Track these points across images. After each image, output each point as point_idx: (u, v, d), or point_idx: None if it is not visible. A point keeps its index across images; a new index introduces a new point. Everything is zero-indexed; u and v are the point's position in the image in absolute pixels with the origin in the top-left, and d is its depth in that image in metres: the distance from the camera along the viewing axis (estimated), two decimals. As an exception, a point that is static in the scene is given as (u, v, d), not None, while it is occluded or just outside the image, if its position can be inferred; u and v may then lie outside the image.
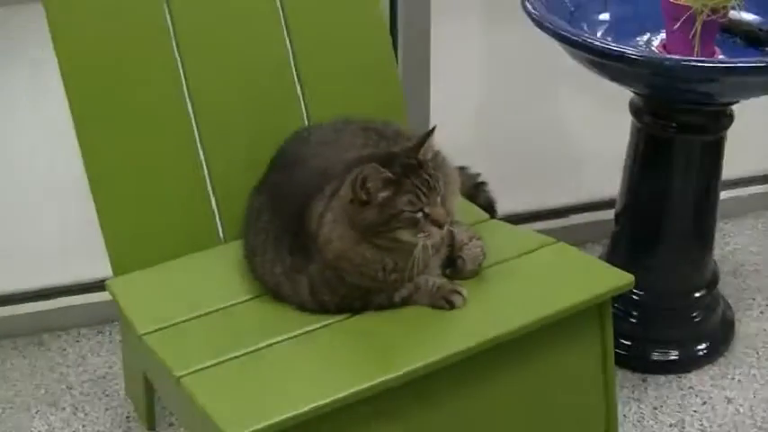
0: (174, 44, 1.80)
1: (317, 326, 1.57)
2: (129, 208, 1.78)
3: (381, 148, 1.72)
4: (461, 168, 1.93)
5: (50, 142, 2.15)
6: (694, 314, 2.21)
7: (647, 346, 2.20)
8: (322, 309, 1.59)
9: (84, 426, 2.06)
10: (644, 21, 2.03)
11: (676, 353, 2.20)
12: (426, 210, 1.50)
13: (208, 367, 1.49)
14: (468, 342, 1.50)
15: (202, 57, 1.83)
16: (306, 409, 1.38)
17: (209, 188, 1.83)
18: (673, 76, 1.83)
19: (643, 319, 2.19)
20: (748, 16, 2.02)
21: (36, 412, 2.09)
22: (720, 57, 1.92)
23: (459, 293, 1.58)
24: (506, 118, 2.49)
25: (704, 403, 2.10)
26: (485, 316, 1.57)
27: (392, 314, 1.58)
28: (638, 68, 1.81)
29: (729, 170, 2.16)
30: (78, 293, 2.32)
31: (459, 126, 2.42)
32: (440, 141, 1.58)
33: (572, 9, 2.03)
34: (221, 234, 1.85)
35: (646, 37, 2.02)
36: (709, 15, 1.83)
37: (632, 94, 2.05)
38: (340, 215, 1.53)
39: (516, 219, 2.47)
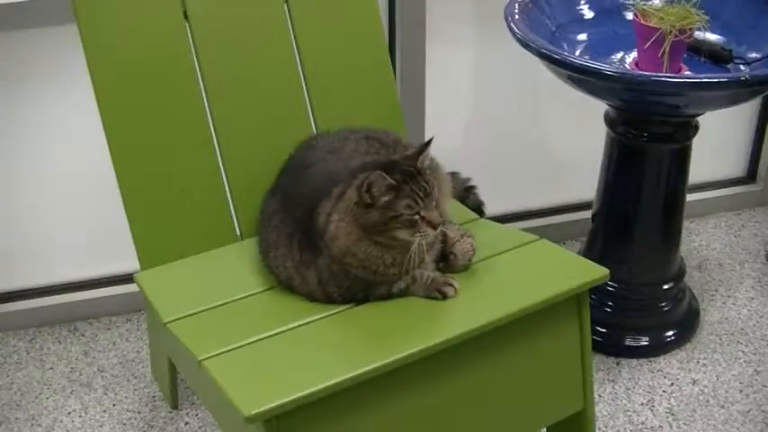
0: (195, 61, 1.81)
1: (325, 314, 1.57)
2: (154, 209, 1.78)
3: (382, 155, 1.72)
4: (453, 173, 1.93)
5: (85, 150, 2.16)
6: (663, 304, 2.21)
7: (621, 333, 2.20)
8: (329, 299, 1.59)
9: (114, 405, 2.06)
10: (617, 41, 2.04)
11: (647, 339, 2.20)
12: (423, 213, 1.51)
13: (226, 351, 1.49)
14: (459, 329, 1.50)
15: (222, 73, 1.83)
16: (315, 389, 1.38)
17: (227, 191, 1.84)
18: (644, 91, 1.83)
19: (617, 309, 2.20)
20: (712, 37, 2.03)
21: (71, 392, 2.09)
22: (687, 73, 1.93)
23: (452, 285, 1.58)
24: (493, 128, 2.50)
25: (672, 384, 2.11)
26: (474, 305, 1.57)
27: (391, 304, 1.58)
28: (613, 83, 1.81)
29: (695, 175, 2.17)
30: (109, 285, 2.32)
31: (451, 136, 2.43)
32: (434, 149, 1.59)
33: (553, 29, 2.04)
34: (238, 232, 1.85)
35: (619, 55, 2.02)
36: (676, 36, 1.84)
37: (607, 107, 2.05)
38: (346, 215, 1.53)
39: (502, 218, 2.49)
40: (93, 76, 1.73)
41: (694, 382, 2.11)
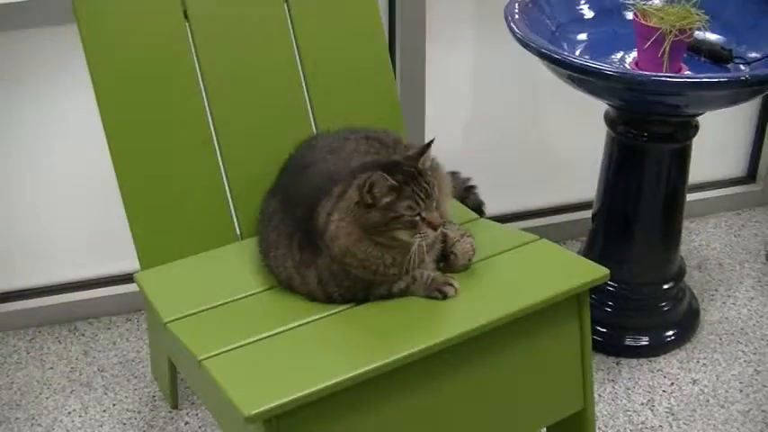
0: (195, 61, 1.81)
1: (325, 314, 1.57)
2: (155, 209, 1.78)
3: (382, 155, 1.72)
4: (453, 173, 1.93)
5: (84, 149, 2.16)
6: (663, 304, 2.21)
7: (621, 332, 2.20)
8: (329, 299, 1.59)
9: (114, 404, 2.06)
10: (617, 41, 2.04)
11: (647, 339, 2.20)
12: (423, 214, 1.51)
13: (226, 351, 1.49)
14: (459, 329, 1.50)
15: (222, 73, 1.83)
16: (315, 389, 1.38)
17: (228, 190, 1.84)
18: (644, 90, 1.83)
19: (617, 309, 2.20)
20: (712, 36, 2.03)
21: (71, 392, 2.09)
22: (687, 73, 1.93)
23: (452, 285, 1.58)
24: (493, 128, 2.50)
25: (672, 384, 2.11)
26: (474, 305, 1.57)
27: (391, 304, 1.58)
28: (613, 83, 1.81)
29: (695, 175, 2.17)
30: (108, 285, 2.32)
31: (451, 136, 2.43)
32: (434, 149, 1.59)
33: (553, 29, 2.04)
34: (238, 232, 1.85)
35: (619, 55, 2.02)
36: (676, 36, 1.84)
37: (607, 107, 2.05)
38: (346, 215, 1.53)
39: (503, 218, 2.48)
40: (94, 75, 1.73)
41: (694, 381, 2.11)
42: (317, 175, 1.67)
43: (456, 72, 2.41)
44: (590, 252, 2.20)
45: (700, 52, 1.99)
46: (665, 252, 2.17)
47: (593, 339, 1.73)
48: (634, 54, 1.97)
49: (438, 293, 1.58)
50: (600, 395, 2.06)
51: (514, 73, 2.39)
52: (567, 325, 1.65)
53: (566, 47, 2.01)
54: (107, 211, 2.00)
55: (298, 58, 1.89)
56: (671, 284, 2.19)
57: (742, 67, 1.96)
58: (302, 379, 1.40)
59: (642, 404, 2.05)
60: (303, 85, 1.90)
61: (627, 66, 1.97)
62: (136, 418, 2.02)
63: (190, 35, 1.81)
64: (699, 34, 1.96)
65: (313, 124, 1.91)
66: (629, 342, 2.19)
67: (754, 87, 1.81)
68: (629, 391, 2.08)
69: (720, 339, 2.24)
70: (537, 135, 2.54)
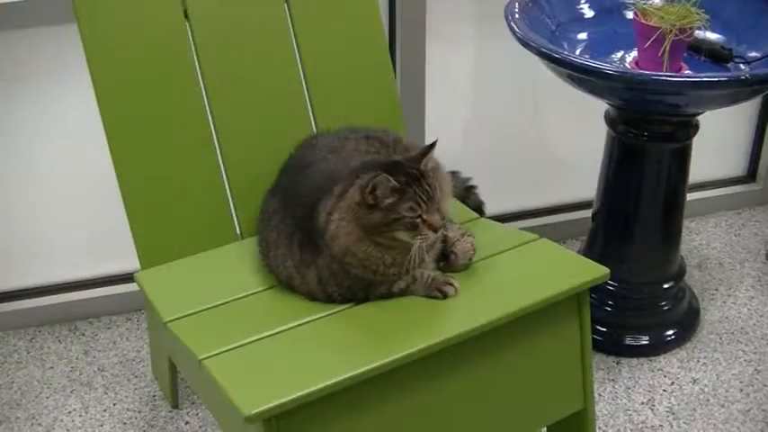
0: (196, 60, 1.81)
1: (325, 314, 1.57)
2: (155, 208, 1.78)
3: (382, 154, 1.72)
4: (453, 173, 1.93)
5: (84, 149, 2.15)
6: (663, 303, 2.21)
7: (621, 332, 2.20)
8: (329, 299, 1.59)
9: (114, 404, 2.06)
10: (618, 40, 2.04)
11: (647, 338, 2.20)
12: (425, 216, 1.51)
13: (226, 351, 1.49)
14: (459, 328, 1.50)
15: (222, 72, 1.83)
16: (315, 388, 1.37)
17: (228, 190, 1.84)
18: (644, 90, 1.83)
19: (617, 308, 2.20)
20: (712, 36, 2.03)
21: (71, 392, 2.09)
22: (687, 72, 1.93)
23: (452, 285, 1.58)
24: (493, 128, 2.49)
25: (672, 383, 2.11)
26: (475, 305, 1.57)
27: (391, 303, 1.58)
28: (614, 83, 1.81)
29: (695, 174, 2.17)
30: (109, 285, 2.32)
31: (451, 135, 2.43)
32: (435, 149, 1.59)
33: (553, 28, 2.04)
34: (238, 231, 1.85)
35: (620, 54, 2.02)
36: (677, 35, 1.84)
37: (607, 106, 2.05)
38: (347, 214, 1.53)
39: (503, 218, 2.48)
40: (94, 75, 1.73)
41: (694, 381, 2.11)
42: (317, 174, 1.67)
43: (456, 72, 2.41)
44: (590, 251, 2.20)
45: (700, 52, 1.99)
46: (666, 251, 2.17)
47: (593, 339, 1.73)
48: (634, 53, 1.97)
49: (438, 293, 1.58)
50: (600, 395, 2.06)
51: (514, 72, 2.39)
52: (568, 324, 1.65)
53: (566, 46, 2.01)
54: (107, 211, 2.00)
55: (298, 57, 1.89)
56: (671, 284, 2.19)
57: (742, 66, 1.96)
58: (302, 379, 1.40)
59: (642, 403, 2.05)
60: (303, 84, 1.90)
61: (627, 65, 1.97)
62: (136, 418, 2.02)
63: (190, 35, 1.81)
64: (699, 33, 1.96)
65: (313, 124, 1.91)
66: (629, 341, 2.19)
67: (754, 87, 1.81)
68: (630, 391, 2.08)
69: (721, 339, 2.24)
70: (537, 135, 2.54)
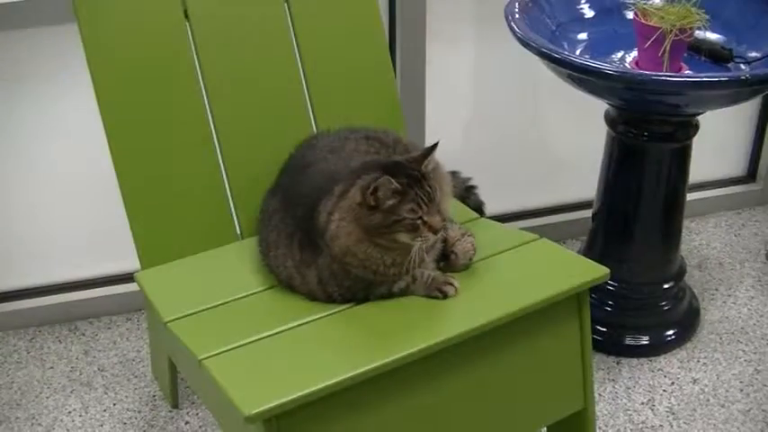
0: (196, 60, 1.81)
1: (325, 314, 1.57)
2: (155, 208, 1.78)
3: (382, 155, 1.72)
4: (454, 173, 1.93)
5: (84, 149, 2.15)
6: (663, 303, 2.21)
7: (621, 332, 2.20)
8: (329, 299, 1.59)
9: (114, 404, 2.06)
10: (618, 40, 2.04)
11: (647, 338, 2.20)
12: (425, 218, 1.51)
13: (226, 351, 1.49)
14: (459, 328, 1.50)
15: (222, 72, 1.83)
16: (315, 388, 1.37)
17: (228, 190, 1.84)
18: (644, 90, 1.83)
19: (617, 308, 2.20)
20: (713, 36, 2.03)
21: (71, 392, 2.09)
22: (687, 72, 1.93)
23: (452, 285, 1.58)
24: (493, 128, 2.49)
25: (672, 383, 2.11)
26: (475, 305, 1.57)
27: (391, 303, 1.58)
28: (614, 83, 1.81)
29: (695, 174, 2.17)
30: (109, 285, 2.32)
31: (451, 136, 2.43)
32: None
33: (553, 28, 2.04)
34: (238, 231, 1.85)
35: (620, 54, 2.02)
36: (677, 35, 1.84)
37: (607, 106, 2.05)
38: (347, 215, 1.53)
39: (503, 218, 2.48)
40: (94, 75, 1.73)
41: (695, 381, 2.11)
42: (317, 174, 1.67)
43: (456, 72, 2.41)
44: (590, 251, 2.20)
45: (700, 52, 1.99)
46: (666, 251, 2.17)
47: (593, 339, 1.73)
48: (634, 53, 1.97)
49: (438, 293, 1.58)
50: (600, 395, 2.06)
51: (515, 72, 2.39)
52: (568, 324, 1.65)
53: (566, 46, 2.01)
54: (107, 211, 2.00)
55: (298, 57, 1.89)
56: (671, 284, 2.19)
57: (742, 66, 1.96)
58: (302, 379, 1.39)
59: (642, 403, 2.05)
60: (303, 84, 1.90)
61: (627, 65, 1.97)
62: (136, 418, 2.02)
63: (190, 34, 1.81)
64: (699, 34, 1.96)
65: (313, 124, 1.91)
66: (629, 341, 2.19)
67: (754, 87, 1.81)
68: (630, 391, 2.08)
69: (721, 339, 2.24)
70: (537, 135, 2.54)
